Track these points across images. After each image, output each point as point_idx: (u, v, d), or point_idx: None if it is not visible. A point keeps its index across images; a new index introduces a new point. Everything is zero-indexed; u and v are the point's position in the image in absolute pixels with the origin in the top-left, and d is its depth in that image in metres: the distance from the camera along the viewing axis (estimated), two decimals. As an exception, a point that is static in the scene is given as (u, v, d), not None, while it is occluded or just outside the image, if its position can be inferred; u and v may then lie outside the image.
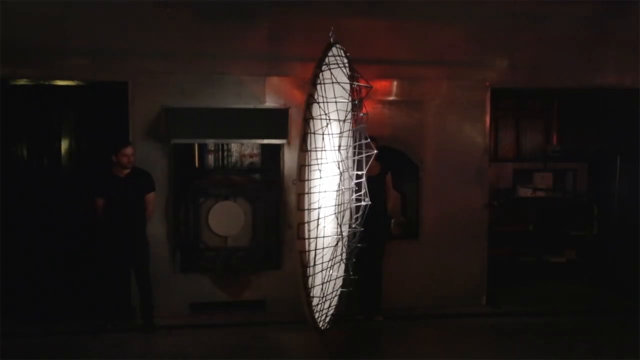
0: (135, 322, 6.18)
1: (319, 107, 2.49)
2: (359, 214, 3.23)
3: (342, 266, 2.81)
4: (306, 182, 2.43)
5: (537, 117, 9.08)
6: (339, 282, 2.88)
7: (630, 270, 7.30)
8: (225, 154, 7.28)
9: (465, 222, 6.95)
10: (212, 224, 6.51)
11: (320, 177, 2.49)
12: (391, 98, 6.85)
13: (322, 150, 2.51)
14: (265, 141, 6.62)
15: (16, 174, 7.79)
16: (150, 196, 6.09)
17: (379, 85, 6.65)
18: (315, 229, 2.55)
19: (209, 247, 6.54)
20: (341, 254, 2.77)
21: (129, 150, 5.90)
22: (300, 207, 2.41)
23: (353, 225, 3.22)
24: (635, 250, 7.26)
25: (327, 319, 2.94)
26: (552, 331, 6.25)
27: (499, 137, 8.91)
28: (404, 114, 6.87)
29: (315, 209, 2.49)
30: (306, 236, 2.46)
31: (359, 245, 3.36)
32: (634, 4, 6.89)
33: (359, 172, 3.11)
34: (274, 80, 6.53)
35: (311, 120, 2.46)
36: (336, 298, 2.96)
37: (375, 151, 3.13)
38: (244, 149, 7.36)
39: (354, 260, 3.29)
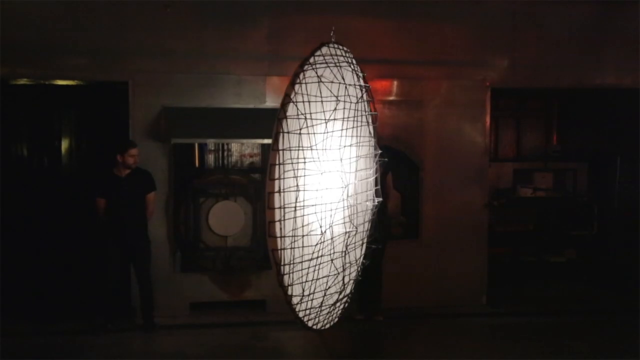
0: (136, 322, 6.18)
1: (296, 106, 2.49)
2: (372, 215, 3.21)
3: (332, 265, 2.78)
4: (276, 181, 2.44)
5: (537, 117, 9.09)
6: (333, 281, 2.84)
7: (630, 270, 7.31)
8: (225, 153, 7.28)
9: (465, 222, 6.95)
10: (212, 223, 6.50)
11: (296, 177, 2.49)
12: (391, 98, 6.85)
13: (298, 150, 2.52)
14: (265, 141, 6.60)
15: (16, 174, 7.80)
16: (151, 196, 6.08)
17: (379, 85, 6.65)
18: (294, 228, 2.55)
19: (209, 247, 6.53)
20: (330, 253, 2.74)
21: (135, 151, 5.90)
22: (270, 205, 2.44)
23: (364, 225, 3.19)
24: (635, 250, 7.26)
25: (321, 317, 2.91)
26: (552, 331, 6.25)
27: (499, 137, 8.92)
28: (404, 114, 6.86)
29: (290, 207, 2.50)
30: (278, 234, 2.47)
31: (374, 246, 3.34)
32: (634, 4, 6.90)
33: (362, 172, 3.08)
34: (274, 80, 6.53)
35: (284, 120, 2.47)
36: (332, 297, 2.93)
37: (380, 151, 3.12)
38: (244, 149, 7.36)
39: (364, 262, 3.27)
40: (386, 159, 3.19)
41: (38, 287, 7.12)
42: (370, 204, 3.08)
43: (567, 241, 8.35)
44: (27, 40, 6.15)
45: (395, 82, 6.86)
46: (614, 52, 7.15)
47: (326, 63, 2.67)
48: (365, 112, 3.06)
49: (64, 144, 8.27)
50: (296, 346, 5.89)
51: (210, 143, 7.08)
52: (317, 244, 2.63)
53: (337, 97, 2.66)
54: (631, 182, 7.74)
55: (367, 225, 3.19)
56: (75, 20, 6.21)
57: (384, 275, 6.43)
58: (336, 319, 3.10)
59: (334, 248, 2.75)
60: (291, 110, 2.51)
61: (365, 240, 3.22)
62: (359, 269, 3.20)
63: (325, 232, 2.64)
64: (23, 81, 6.47)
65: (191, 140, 6.70)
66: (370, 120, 3.10)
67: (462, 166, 6.96)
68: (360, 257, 3.18)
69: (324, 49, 2.75)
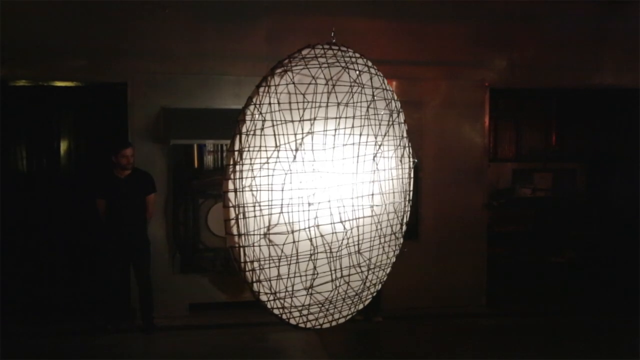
0: (135, 323, 6.18)
1: (257, 109, 2.52)
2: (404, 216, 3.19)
3: (313, 265, 2.77)
4: (230, 181, 2.49)
5: (536, 117, 9.09)
6: (315, 281, 2.83)
7: (630, 270, 7.31)
8: (224, 154, 7.28)
9: (465, 222, 6.95)
10: (211, 224, 6.50)
11: (253, 177, 2.53)
12: (390, 98, 6.83)
13: (259, 150, 2.55)
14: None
15: (15, 175, 7.80)
16: (151, 197, 6.08)
17: (378, 85, 6.64)
18: (259, 227, 2.58)
19: (208, 248, 6.54)
20: (313, 253, 2.73)
21: (128, 152, 5.88)
22: (225, 204, 2.49)
23: (390, 227, 3.16)
24: (635, 250, 7.26)
25: (310, 317, 2.91)
26: (552, 331, 6.25)
27: (498, 137, 8.92)
28: (403, 114, 6.85)
29: (251, 206, 2.53)
30: (235, 232, 2.51)
31: (404, 250, 3.33)
32: (634, 4, 6.90)
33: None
34: (274, 80, 6.51)
35: (242, 122, 2.51)
36: (328, 298, 2.92)
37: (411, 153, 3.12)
38: (244, 149, 7.35)
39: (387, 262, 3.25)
40: (416, 160, 3.18)
41: (38, 288, 7.12)
42: (377, 209, 3.05)
43: (567, 241, 8.35)
44: (26, 41, 6.15)
45: (394, 83, 6.85)
46: (613, 52, 7.15)
47: (305, 64, 2.65)
48: (374, 112, 3.04)
49: (63, 145, 8.26)
50: (295, 347, 5.88)
51: (209, 144, 7.08)
52: (284, 243, 2.63)
53: (305, 96, 2.63)
54: (631, 182, 7.74)
55: (394, 228, 3.15)
56: (74, 21, 6.21)
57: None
58: (340, 320, 3.08)
59: (316, 248, 2.72)
60: (255, 112, 2.53)
61: (387, 243, 3.19)
62: (373, 271, 3.16)
63: (298, 231, 2.63)
64: (22, 82, 6.47)
65: (190, 141, 6.70)
66: (378, 120, 3.08)
67: (462, 166, 6.95)
68: (371, 259, 3.14)
69: (317, 50, 2.74)
